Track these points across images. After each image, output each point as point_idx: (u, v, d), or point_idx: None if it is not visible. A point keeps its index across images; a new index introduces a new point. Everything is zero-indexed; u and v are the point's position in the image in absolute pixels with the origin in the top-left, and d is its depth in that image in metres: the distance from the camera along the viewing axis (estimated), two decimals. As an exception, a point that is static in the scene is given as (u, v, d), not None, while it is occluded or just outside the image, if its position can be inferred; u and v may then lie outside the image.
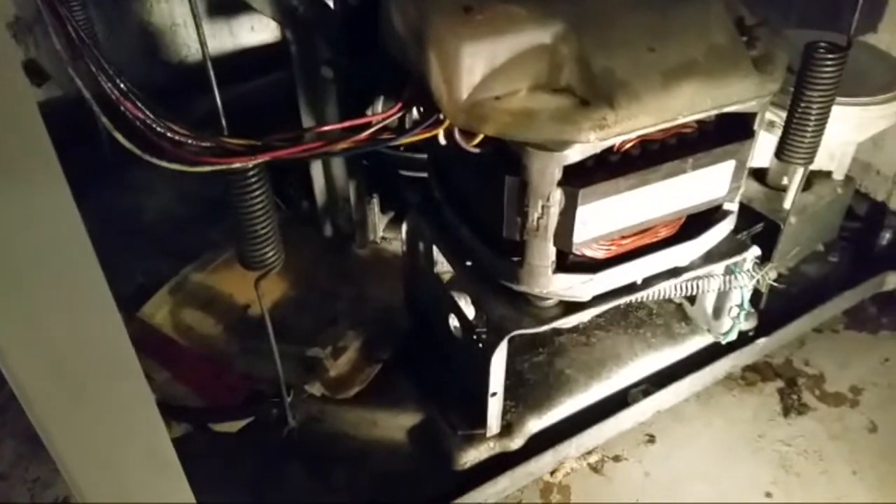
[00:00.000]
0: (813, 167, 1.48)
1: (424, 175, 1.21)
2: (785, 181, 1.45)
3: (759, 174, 1.50)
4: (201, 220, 1.56)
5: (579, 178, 0.88)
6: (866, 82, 1.32)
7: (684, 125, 0.91)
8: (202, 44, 0.85)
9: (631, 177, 0.89)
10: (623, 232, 0.96)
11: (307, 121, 1.31)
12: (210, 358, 1.28)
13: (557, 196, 0.88)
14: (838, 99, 1.26)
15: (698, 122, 0.92)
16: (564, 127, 0.80)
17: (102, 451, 0.74)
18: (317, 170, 1.41)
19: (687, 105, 0.83)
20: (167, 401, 1.23)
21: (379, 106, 1.40)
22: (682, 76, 0.82)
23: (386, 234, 1.49)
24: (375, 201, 1.43)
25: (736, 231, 1.40)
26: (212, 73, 0.88)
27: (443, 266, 1.20)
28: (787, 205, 1.40)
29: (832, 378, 1.41)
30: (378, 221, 1.46)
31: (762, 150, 1.22)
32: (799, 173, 1.38)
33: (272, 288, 1.37)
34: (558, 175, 0.86)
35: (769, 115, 1.32)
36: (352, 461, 1.17)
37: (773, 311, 1.39)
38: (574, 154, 0.85)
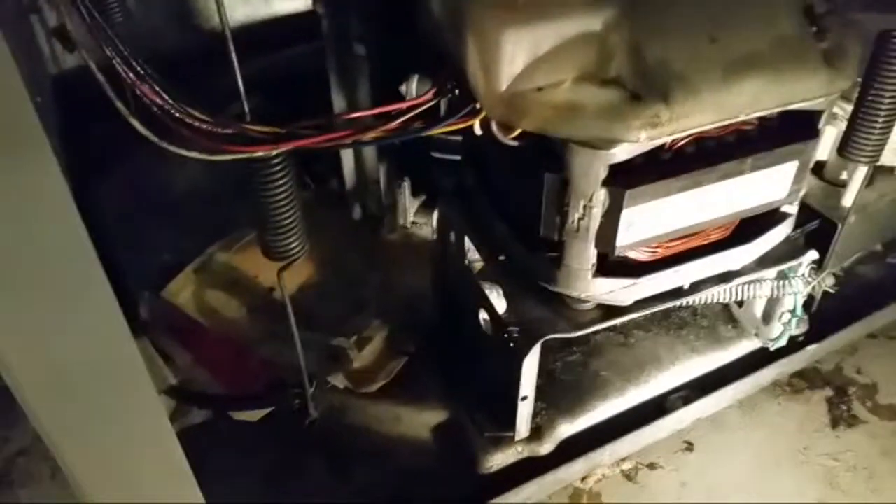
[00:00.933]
0: (879, 161, 1.38)
1: (459, 158, 1.15)
2: (844, 176, 1.35)
3: (816, 167, 1.40)
4: (231, 196, 1.52)
5: (626, 177, 0.80)
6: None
7: (745, 122, 0.83)
8: (221, 13, 0.78)
9: (683, 178, 0.82)
10: (671, 236, 0.89)
11: (338, 99, 1.25)
12: (233, 342, 1.25)
13: (601, 196, 0.81)
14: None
15: (760, 118, 0.84)
16: (612, 124, 0.73)
17: (110, 458, 0.71)
18: (346, 150, 1.35)
19: (749, 102, 0.75)
20: (188, 385, 1.21)
21: (413, 85, 1.33)
22: (746, 70, 0.74)
23: (417, 218, 1.43)
24: (406, 185, 1.37)
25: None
26: (233, 51, 0.80)
27: (475, 255, 1.14)
28: (846, 203, 1.30)
29: (886, 388, 1.32)
30: (409, 206, 1.40)
31: (822, 142, 1.13)
32: (862, 171, 1.29)
33: (297, 271, 1.33)
34: (603, 174, 0.79)
35: (831, 107, 1.22)
36: (373, 457, 1.13)
37: (825, 314, 1.29)
38: (621, 153, 0.77)
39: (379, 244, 1.41)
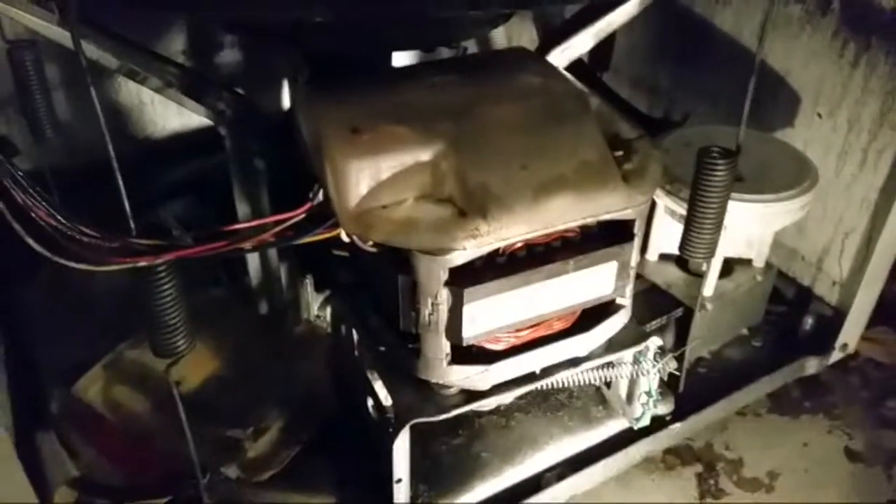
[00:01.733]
0: (733, 254, 1.55)
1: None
2: (704, 267, 1.51)
3: (680, 260, 1.57)
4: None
5: (465, 277, 0.94)
6: (773, 178, 1.40)
7: (567, 230, 0.97)
8: (105, 135, 0.87)
9: (514, 277, 0.95)
10: (513, 327, 1.01)
11: (241, 207, 1.37)
12: (135, 435, 1.32)
13: (445, 294, 0.94)
14: (743, 195, 1.34)
15: (581, 226, 0.99)
16: (441, 236, 0.87)
17: None
18: (252, 251, 1.47)
19: (557, 216, 0.90)
20: (91, 477, 1.26)
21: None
22: (552, 191, 0.89)
23: (320, 312, 1.54)
24: (309, 280, 1.49)
25: (656, 315, 1.46)
26: (115, 164, 0.89)
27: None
28: (704, 292, 1.46)
29: (751, 462, 1.44)
30: (312, 300, 1.51)
31: (678, 239, 1.29)
32: (716, 263, 1.45)
33: (203, 364, 1.41)
34: (444, 276, 0.92)
35: (679, 210, 1.39)
36: (264, 544, 1.20)
37: (692, 394, 1.43)
38: (458, 258, 0.91)
39: (283, 338, 1.51)
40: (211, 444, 1.24)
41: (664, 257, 1.56)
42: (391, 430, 1.10)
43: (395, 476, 1.11)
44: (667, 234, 1.50)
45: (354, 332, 1.22)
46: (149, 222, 0.94)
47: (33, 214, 0.84)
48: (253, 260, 1.48)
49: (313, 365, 1.42)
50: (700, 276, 1.52)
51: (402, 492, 1.14)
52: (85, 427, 1.32)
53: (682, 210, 1.37)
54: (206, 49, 2.07)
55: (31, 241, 0.84)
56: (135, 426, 1.33)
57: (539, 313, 1.00)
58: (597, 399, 1.40)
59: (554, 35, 1.37)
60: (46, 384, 1.41)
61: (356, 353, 1.25)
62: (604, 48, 1.77)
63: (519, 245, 0.96)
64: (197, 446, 1.16)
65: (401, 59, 1.48)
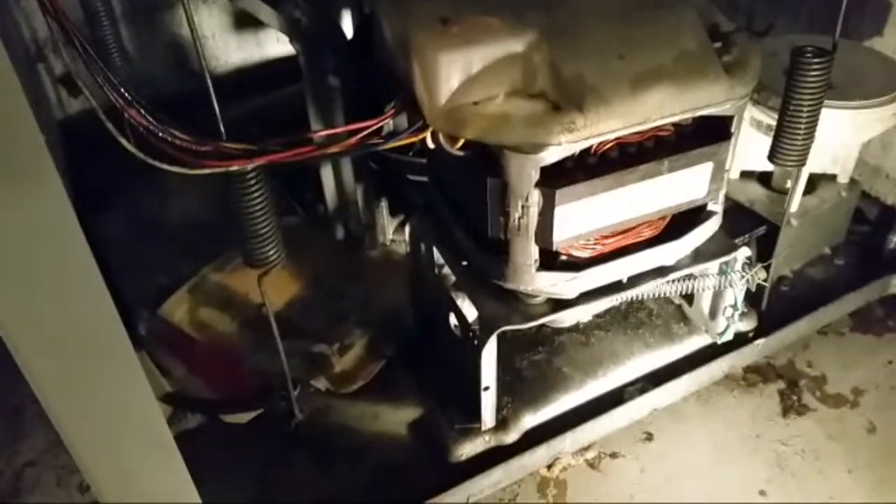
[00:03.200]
0: (816, 170, 1.49)
1: (429, 179, 1.26)
2: (788, 184, 1.46)
3: (763, 177, 1.52)
4: (222, 222, 1.64)
5: (557, 178, 0.92)
6: (864, 85, 1.33)
7: (661, 128, 0.94)
8: (200, 59, 0.90)
9: (607, 178, 0.93)
10: (603, 231, 0.99)
11: (316, 126, 1.37)
12: (224, 353, 1.35)
13: (535, 196, 0.92)
14: (834, 102, 1.28)
15: (675, 125, 0.96)
16: (536, 130, 0.85)
17: (117, 460, 0.80)
18: (327, 174, 1.47)
19: (656, 109, 0.87)
20: (184, 392, 1.31)
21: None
22: (651, 82, 0.86)
23: (395, 236, 1.54)
24: (384, 205, 1.49)
25: (739, 233, 1.43)
26: (210, 83, 0.91)
27: (446, 267, 1.25)
28: (788, 208, 1.41)
29: (834, 379, 1.41)
30: (387, 224, 1.52)
31: (764, 153, 1.24)
32: (801, 178, 1.40)
33: (285, 287, 1.44)
34: (536, 176, 0.91)
35: (766, 119, 1.34)
36: (354, 453, 1.22)
37: (775, 312, 1.40)
38: (550, 156, 0.89)
39: (361, 261, 1.52)
40: (299, 359, 1.27)
41: (746, 175, 1.51)
42: (476, 341, 1.10)
43: (483, 384, 1.12)
44: (750, 150, 1.45)
45: (434, 249, 1.22)
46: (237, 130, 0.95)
47: (126, 115, 0.84)
48: (329, 185, 1.49)
49: (391, 286, 1.43)
50: (784, 192, 1.47)
51: (489, 399, 1.15)
52: (174, 347, 1.37)
53: (769, 120, 1.32)
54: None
55: (124, 142, 0.84)
56: (222, 345, 1.36)
57: (631, 216, 0.98)
58: (677, 316, 1.38)
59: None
60: (132, 307, 1.45)
61: (436, 271, 1.25)
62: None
63: (611, 144, 0.93)
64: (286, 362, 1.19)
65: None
